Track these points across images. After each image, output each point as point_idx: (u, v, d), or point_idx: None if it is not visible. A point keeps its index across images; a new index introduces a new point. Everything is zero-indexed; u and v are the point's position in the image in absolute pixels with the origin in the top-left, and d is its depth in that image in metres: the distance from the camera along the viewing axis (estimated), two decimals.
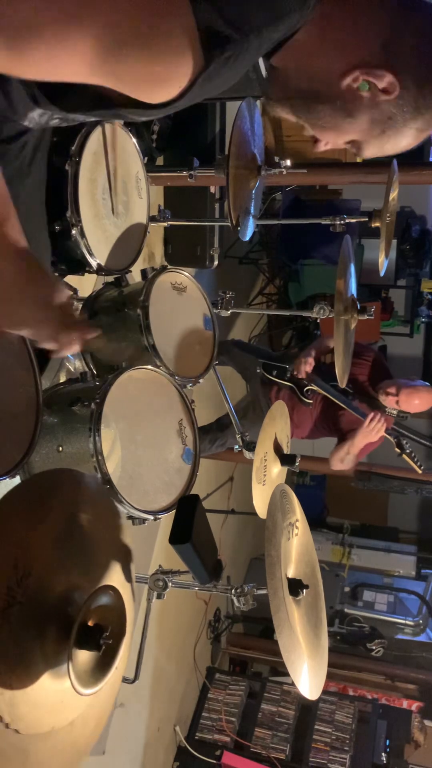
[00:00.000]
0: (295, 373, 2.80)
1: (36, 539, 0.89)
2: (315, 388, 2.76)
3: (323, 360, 2.97)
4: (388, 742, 3.97)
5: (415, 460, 2.67)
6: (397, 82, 0.83)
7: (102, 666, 0.90)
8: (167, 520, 1.42)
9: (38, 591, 0.88)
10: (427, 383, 2.73)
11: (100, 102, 0.85)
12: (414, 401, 2.64)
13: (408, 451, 2.66)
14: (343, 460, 2.76)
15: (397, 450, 2.67)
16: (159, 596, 1.55)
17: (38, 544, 0.89)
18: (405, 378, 2.76)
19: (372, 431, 2.60)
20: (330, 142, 0.95)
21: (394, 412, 2.67)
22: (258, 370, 2.90)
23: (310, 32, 0.85)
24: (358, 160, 4.49)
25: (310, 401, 2.82)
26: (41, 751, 0.88)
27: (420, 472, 2.72)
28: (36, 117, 0.96)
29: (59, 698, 0.90)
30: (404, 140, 0.92)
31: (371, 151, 0.94)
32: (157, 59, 0.75)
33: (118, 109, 0.85)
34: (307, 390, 2.80)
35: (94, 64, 0.74)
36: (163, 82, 0.78)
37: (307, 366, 2.76)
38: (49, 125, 1.01)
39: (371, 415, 2.60)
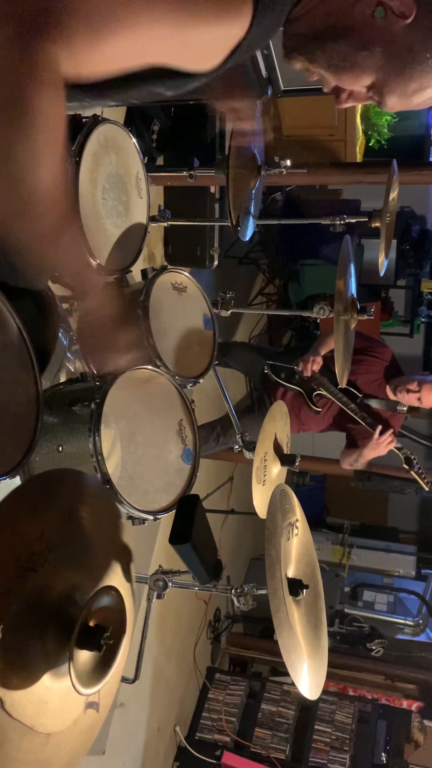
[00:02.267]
0: (300, 370, 2.75)
1: (38, 538, 0.89)
2: (324, 393, 2.74)
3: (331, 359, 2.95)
4: (388, 742, 3.97)
5: (423, 477, 2.68)
6: (413, 3, 0.78)
7: (102, 666, 0.90)
8: (167, 520, 1.42)
9: (40, 589, 0.88)
10: None
11: (132, 77, 0.82)
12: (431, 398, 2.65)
13: (417, 468, 2.67)
14: (353, 465, 2.80)
15: (406, 467, 2.68)
16: (159, 596, 1.55)
17: (40, 542, 0.89)
18: (413, 374, 2.76)
19: (381, 445, 2.62)
20: (349, 91, 0.89)
21: (404, 409, 2.67)
22: (265, 371, 2.88)
23: None
24: (359, 145, 4.48)
25: (319, 409, 2.79)
26: (14, 745, 0.87)
27: (427, 489, 2.74)
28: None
29: (47, 698, 0.90)
30: (430, 83, 0.84)
31: (394, 98, 0.86)
32: (222, 17, 0.74)
33: (149, 83, 0.83)
34: (316, 395, 2.77)
35: (166, 41, 0.74)
36: (226, 40, 0.76)
37: (314, 365, 2.72)
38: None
39: (380, 429, 2.60)
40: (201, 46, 0.77)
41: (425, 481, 2.69)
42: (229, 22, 0.75)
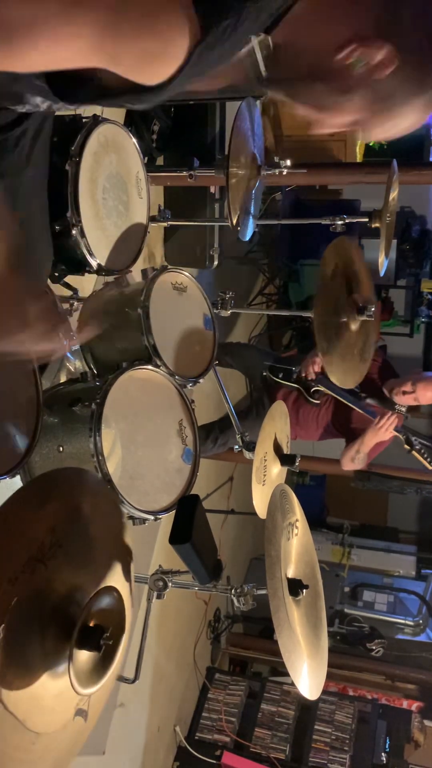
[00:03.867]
0: (303, 374, 2.78)
1: (49, 531, 0.90)
2: (322, 389, 2.75)
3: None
4: (388, 742, 3.97)
5: (425, 456, 2.66)
6: (394, 55, 0.78)
7: (100, 666, 0.91)
8: (167, 520, 1.42)
9: (44, 584, 0.88)
10: None
11: (102, 93, 0.84)
12: (428, 393, 2.64)
13: (417, 447, 2.65)
14: (354, 459, 2.75)
15: (407, 447, 2.66)
16: (159, 596, 1.55)
17: (51, 536, 0.90)
18: (409, 373, 2.76)
19: (382, 429, 2.60)
20: (331, 124, 0.90)
21: (403, 409, 2.67)
22: (264, 374, 2.89)
23: (305, 5, 0.82)
24: (359, 145, 4.48)
25: (318, 401, 2.80)
26: (4, 740, 0.87)
27: (431, 468, 2.72)
28: (38, 102, 0.96)
29: (41, 695, 0.90)
30: (409, 118, 0.86)
31: (376, 133, 0.89)
32: (153, 35, 0.73)
33: (118, 98, 0.83)
34: (314, 391, 2.79)
35: (92, 48, 0.73)
36: (160, 57, 0.76)
37: (316, 366, 2.75)
38: (50, 111, 1.01)
39: (382, 413, 2.60)
40: (132, 64, 0.77)
41: (428, 461, 2.68)
42: (162, 43, 0.75)
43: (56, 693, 0.91)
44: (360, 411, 2.69)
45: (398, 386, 2.68)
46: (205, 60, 0.78)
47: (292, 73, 0.87)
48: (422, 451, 2.66)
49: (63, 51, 0.74)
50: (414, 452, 2.66)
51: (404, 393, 2.66)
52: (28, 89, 0.92)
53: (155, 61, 0.77)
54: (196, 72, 0.79)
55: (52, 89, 0.88)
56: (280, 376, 2.85)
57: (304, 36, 0.84)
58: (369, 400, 2.73)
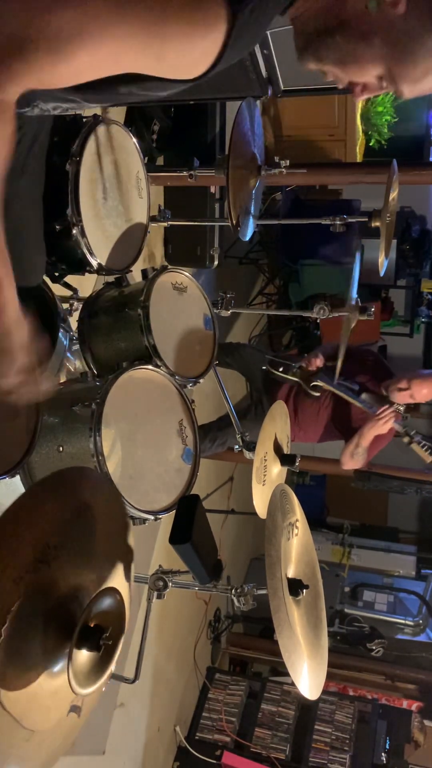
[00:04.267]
0: (305, 365, 2.79)
1: (55, 532, 0.90)
2: (321, 384, 2.76)
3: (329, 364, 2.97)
4: (388, 742, 3.97)
5: (424, 447, 2.66)
6: None
7: (99, 666, 0.91)
8: (167, 520, 1.42)
9: (47, 584, 0.88)
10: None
11: (128, 85, 0.84)
12: (423, 390, 2.65)
13: (417, 439, 2.65)
14: (354, 455, 2.74)
15: (406, 439, 2.67)
16: (159, 596, 1.55)
17: (56, 537, 0.90)
18: (405, 372, 2.76)
19: (381, 421, 2.60)
20: (362, 83, 0.89)
21: (401, 408, 2.68)
22: (264, 367, 2.90)
23: None
24: (360, 145, 4.48)
25: (317, 393, 2.81)
26: (1, 737, 0.88)
27: (429, 461, 2.71)
28: (50, 108, 0.96)
29: (37, 693, 0.90)
30: None
31: (407, 86, 0.87)
32: (195, 32, 0.75)
33: (150, 90, 0.84)
34: (313, 386, 2.80)
35: (137, 54, 0.75)
36: (202, 54, 0.78)
37: (318, 360, 2.78)
38: (51, 113, 1.01)
39: (384, 407, 2.61)
40: (174, 60, 0.78)
41: (427, 452, 2.67)
42: (201, 37, 0.76)
43: (53, 691, 0.91)
44: (358, 405, 2.69)
45: (394, 384, 2.69)
46: (236, 46, 0.79)
47: (314, 34, 0.86)
48: (422, 443, 2.66)
49: (109, 53, 0.75)
50: (413, 444, 2.66)
51: (399, 390, 2.66)
52: (43, 97, 0.92)
53: (196, 56, 0.78)
54: (228, 60, 0.80)
55: (83, 95, 0.88)
56: (281, 369, 2.86)
57: None
58: (365, 396, 2.73)
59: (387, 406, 2.61)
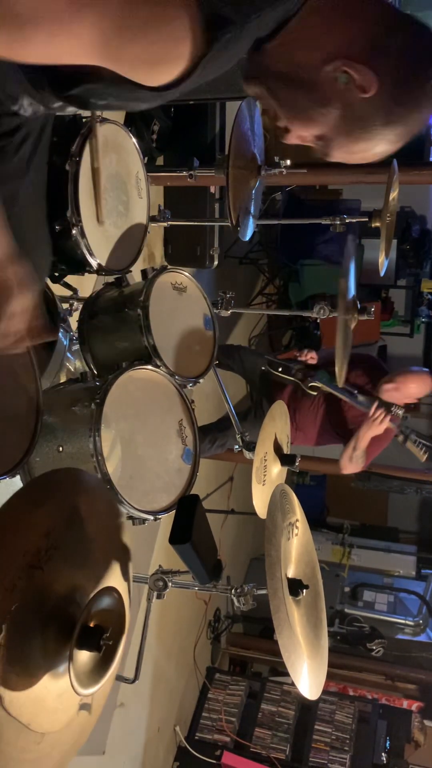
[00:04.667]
0: (298, 355, 2.80)
1: (45, 535, 0.90)
2: (319, 384, 2.76)
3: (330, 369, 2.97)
4: (388, 742, 3.97)
5: (419, 446, 2.65)
6: (375, 82, 0.83)
7: (100, 666, 0.90)
8: (167, 520, 1.42)
9: (43, 587, 0.88)
10: (425, 369, 2.72)
11: (98, 87, 0.86)
12: (410, 386, 2.63)
13: (413, 438, 2.64)
14: (352, 458, 2.74)
15: (401, 437, 2.66)
16: (159, 596, 1.55)
17: (47, 540, 0.90)
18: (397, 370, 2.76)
19: (376, 422, 2.59)
20: (299, 133, 0.94)
21: (400, 412, 2.66)
22: (263, 368, 2.90)
23: (303, 18, 0.86)
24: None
25: (315, 392, 2.81)
26: (11, 744, 0.87)
27: (423, 460, 2.71)
28: (26, 104, 0.97)
29: (44, 696, 0.90)
30: (373, 147, 0.91)
31: (339, 153, 0.93)
32: (157, 41, 0.76)
33: (117, 91, 0.85)
34: (311, 386, 2.80)
35: (95, 47, 0.75)
36: (163, 63, 0.79)
37: (311, 354, 2.79)
38: (39, 114, 1.01)
39: (374, 405, 2.59)
40: (131, 63, 0.79)
41: (422, 451, 2.66)
42: (163, 48, 0.77)
43: (59, 693, 0.91)
44: (356, 406, 2.69)
45: (382, 382, 2.68)
46: (209, 69, 0.81)
47: (278, 76, 0.90)
48: (416, 441, 2.65)
49: (67, 45, 0.75)
50: (408, 443, 2.65)
51: (387, 391, 2.66)
52: (18, 89, 0.92)
53: (158, 65, 0.79)
54: (199, 79, 0.82)
55: (51, 85, 0.89)
56: (279, 370, 2.86)
57: (299, 45, 0.87)
58: (362, 398, 2.72)
59: (379, 406, 2.60)
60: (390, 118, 0.87)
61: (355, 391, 2.74)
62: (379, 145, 0.90)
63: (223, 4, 0.77)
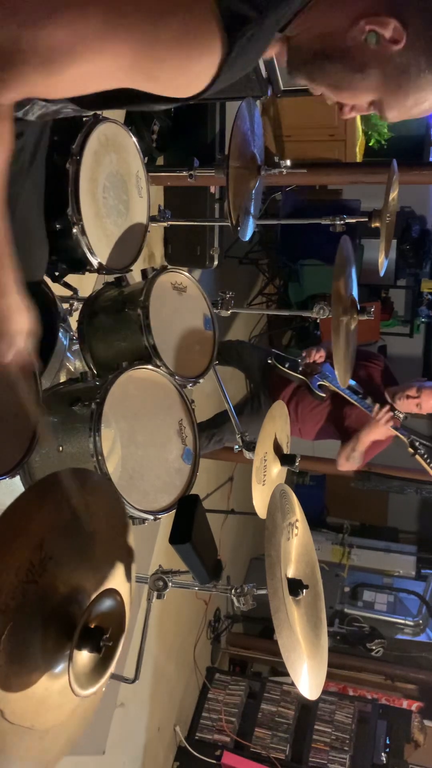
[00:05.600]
0: (304, 355, 2.78)
1: (37, 548, 0.89)
2: (327, 384, 2.75)
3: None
4: (388, 742, 3.97)
5: (428, 461, 2.65)
6: (403, 29, 0.82)
7: (100, 667, 0.90)
8: (167, 520, 1.42)
9: (41, 596, 0.88)
10: None
11: (126, 98, 0.85)
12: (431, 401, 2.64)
13: (421, 452, 2.64)
14: (349, 457, 2.73)
15: (410, 450, 2.65)
16: (159, 596, 1.55)
17: (39, 552, 0.89)
18: (411, 380, 2.75)
19: (379, 423, 2.58)
20: (351, 105, 0.93)
21: (401, 415, 2.66)
22: (269, 361, 2.88)
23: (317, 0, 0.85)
24: (359, 145, 4.48)
25: (323, 394, 2.80)
26: (15, 747, 0.87)
27: None
28: (36, 109, 0.97)
29: (46, 697, 0.89)
30: (426, 95, 0.88)
31: (394, 113, 0.91)
32: (190, 56, 0.76)
33: (146, 104, 0.85)
34: (320, 386, 2.79)
35: (128, 70, 0.76)
36: (197, 75, 0.79)
37: (317, 354, 2.76)
38: (47, 117, 1.02)
39: (377, 406, 2.59)
40: (167, 81, 0.79)
41: (431, 465, 2.66)
42: (195, 61, 0.77)
43: (60, 690, 0.90)
44: (359, 407, 2.68)
45: (403, 390, 2.67)
46: (234, 68, 0.81)
47: (310, 56, 0.89)
48: (425, 456, 2.65)
49: (100, 70, 0.76)
50: (417, 456, 2.65)
51: (408, 398, 2.65)
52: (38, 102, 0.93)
53: (190, 78, 0.79)
54: (225, 82, 0.82)
55: (77, 102, 0.89)
56: (287, 365, 2.84)
57: (319, 21, 0.86)
58: (369, 401, 2.72)
59: (382, 408, 2.59)
60: (430, 60, 0.84)
61: (362, 391, 2.74)
62: (431, 93, 0.88)
63: (240, 1, 0.76)
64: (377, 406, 2.59)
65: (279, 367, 2.84)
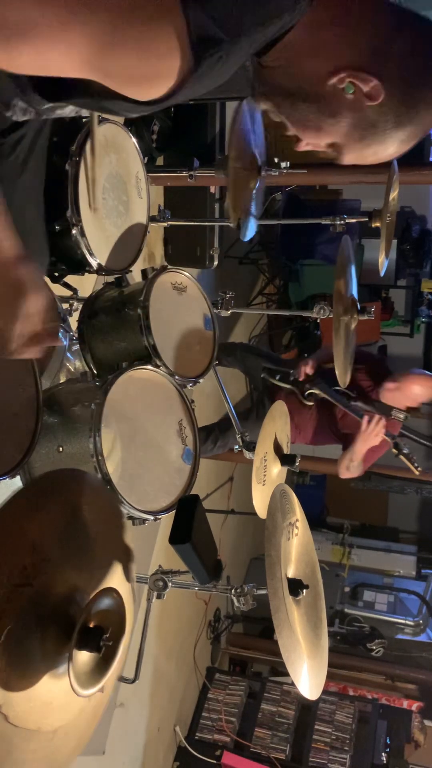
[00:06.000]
0: (296, 376, 2.79)
1: (30, 551, 0.88)
2: (316, 391, 2.75)
3: (326, 366, 2.96)
4: (388, 742, 3.97)
5: (413, 461, 2.64)
6: (382, 88, 0.84)
7: (100, 667, 0.90)
8: (167, 520, 1.42)
9: (45, 584, 0.88)
10: (428, 372, 2.70)
11: (86, 92, 0.86)
12: (413, 387, 2.60)
13: (405, 452, 2.63)
14: (349, 468, 2.73)
15: (395, 451, 2.65)
16: (159, 596, 1.55)
17: (32, 555, 0.88)
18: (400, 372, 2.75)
19: (370, 434, 2.55)
20: (311, 142, 0.95)
21: (401, 416, 2.64)
22: (262, 376, 2.90)
23: (300, 32, 0.85)
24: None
25: (310, 403, 2.80)
26: (23, 750, 0.87)
27: (417, 473, 2.70)
28: (18, 111, 0.97)
29: (50, 699, 0.89)
30: (385, 149, 0.92)
31: (351, 157, 0.94)
32: (146, 60, 0.76)
33: (105, 101, 0.85)
34: (309, 393, 2.79)
35: (84, 62, 0.76)
36: (151, 80, 0.79)
37: (308, 368, 2.76)
38: (41, 118, 1.02)
39: (367, 417, 2.55)
40: (123, 79, 0.79)
41: (415, 465, 2.65)
42: (153, 65, 0.77)
43: (64, 691, 0.90)
44: (351, 413, 2.67)
45: (385, 384, 2.66)
46: (198, 86, 0.82)
47: (284, 91, 0.90)
48: (410, 455, 2.64)
49: (56, 59, 0.76)
50: (401, 456, 2.64)
51: (388, 390, 2.63)
52: (12, 93, 0.93)
53: (146, 82, 0.80)
54: (189, 94, 0.83)
55: (38, 89, 0.89)
56: (278, 378, 2.85)
57: (300, 62, 0.87)
58: (359, 404, 2.70)
59: (376, 418, 2.55)
60: (400, 120, 0.87)
61: (353, 395, 2.73)
62: (392, 147, 0.91)
63: (210, 23, 0.76)
64: (366, 419, 2.56)
65: (271, 380, 2.86)
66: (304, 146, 0.97)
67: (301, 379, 2.77)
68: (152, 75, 0.78)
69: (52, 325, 0.97)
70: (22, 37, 0.73)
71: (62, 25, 0.73)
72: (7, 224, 0.89)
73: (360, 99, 0.85)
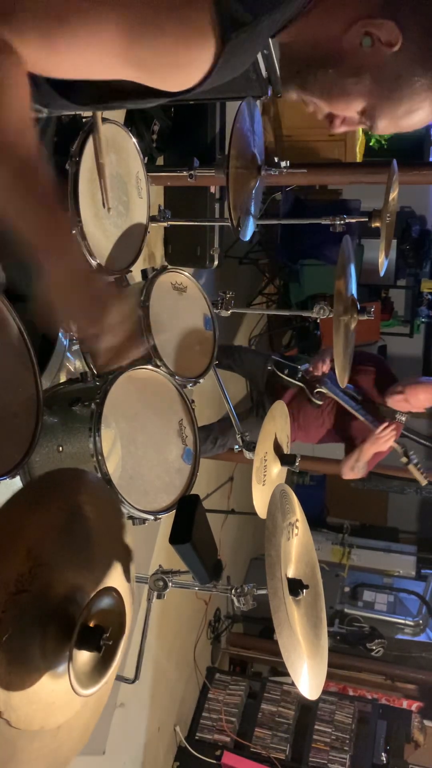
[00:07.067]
0: (311, 370, 2.78)
1: (24, 558, 0.88)
2: (325, 391, 2.75)
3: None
4: (388, 742, 3.97)
5: (421, 470, 2.66)
6: (399, 31, 0.81)
7: (100, 667, 0.90)
8: (167, 520, 1.42)
9: (43, 588, 0.88)
10: (431, 378, 2.72)
11: (115, 94, 0.86)
12: (420, 396, 2.63)
13: (415, 462, 2.65)
14: (354, 468, 2.75)
15: (404, 460, 2.66)
16: (159, 596, 1.55)
17: (27, 562, 0.88)
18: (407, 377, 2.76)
19: (382, 439, 2.59)
20: (342, 117, 0.92)
21: (404, 418, 2.66)
22: (269, 367, 2.88)
23: (315, 4, 0.85)
24: (359, 145, 4.48)
25: (320, 402, 2.80)
26: (26, 750, 0.87)
27: (424, 483, 2.72)
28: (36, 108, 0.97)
29: (52, 699, 0.90)
30: (418, 105, 0.86)
31: (385, 122, 0.89)
32: (181, 46, 0.77)
33: (136, 100, 0.86)
34: (317, 392, 2.79)
35: (118, 50, 0.76)
36: (186, 67, 0.79)
37: (325, 366, 2.77)
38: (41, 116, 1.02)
39: (384, 424, 2.59)
40: (159, 70, 0.80)
41: (423, 475, 2.67)
42: (184, 53, 0.78)
43: (66, 690, 0.90)
44: (361, 418, 2.68)
45: (391, 388, 2.68)
46: (223, 70, 0.81)
47: (303, 66, 0.88)
48: (419, 465, 2.66)
49: (92, 53, 0.76)
50: (411, 466, 2.66)
51: (393, 394, 2.66)
52: (49, 98, 0.93)
53: (182, 70, 0.80)
54: (215, 82, 0.82)
55: (58, 91, 0.89)
56: (286, 372, 2.84)
57: (313, 29, 0.86)
58: (367, 410, 2.72)
59: (387, 425, 2.58)
60: (427, 65, 0.83)
61: (361, 398, 2.74)
62: (425, 102, 0.86)
63: (236, 4, 0.76)
64: (385, 423, 2.59)
65: (278, 373, 2.85)
66: (339, 125, 0.93)
67: (318, 374, 2.77)
68: (185, 61, 0.78)
69: (135, 335, 0.97)
70: (59, 34, 0.74)
71: (93, 17, 0.74)
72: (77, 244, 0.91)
73: (379, 49, 0.82)
